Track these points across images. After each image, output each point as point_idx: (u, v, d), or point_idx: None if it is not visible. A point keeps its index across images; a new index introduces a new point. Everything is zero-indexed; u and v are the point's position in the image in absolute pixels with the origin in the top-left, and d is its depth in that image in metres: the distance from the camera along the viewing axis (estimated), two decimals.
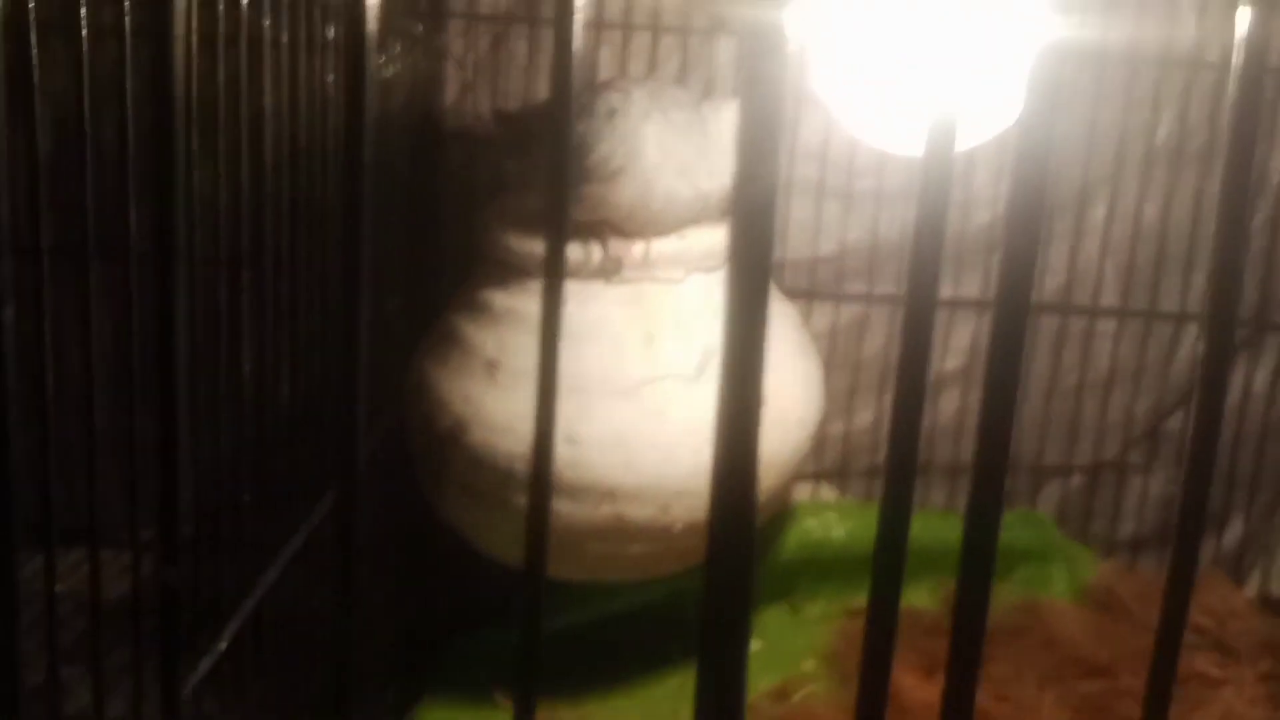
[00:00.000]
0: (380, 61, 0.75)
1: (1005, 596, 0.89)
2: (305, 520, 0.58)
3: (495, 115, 0.79)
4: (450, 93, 0.87)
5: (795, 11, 0.25)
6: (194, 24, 0.40)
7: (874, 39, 0.62)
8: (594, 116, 0.65)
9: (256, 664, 0.52)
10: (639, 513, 0.63)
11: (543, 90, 0.87)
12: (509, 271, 0.67)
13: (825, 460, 0.96)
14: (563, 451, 0.62)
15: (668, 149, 0.64)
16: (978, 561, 0.30)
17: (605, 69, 0.88)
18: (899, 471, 0.28)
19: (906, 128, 0.65)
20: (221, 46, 0.48)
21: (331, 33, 0.60)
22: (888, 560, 0.30)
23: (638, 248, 0.66)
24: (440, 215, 0.85)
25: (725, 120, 0.66)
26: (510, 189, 0.71)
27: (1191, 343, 0.96)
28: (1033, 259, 0.26)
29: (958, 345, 0.96)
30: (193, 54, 0.40)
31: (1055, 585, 0.93)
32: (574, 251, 0.66)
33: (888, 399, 0.95)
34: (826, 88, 0.67)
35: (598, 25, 0.88)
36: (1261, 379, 0.97)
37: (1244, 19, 0.25)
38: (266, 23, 0.53)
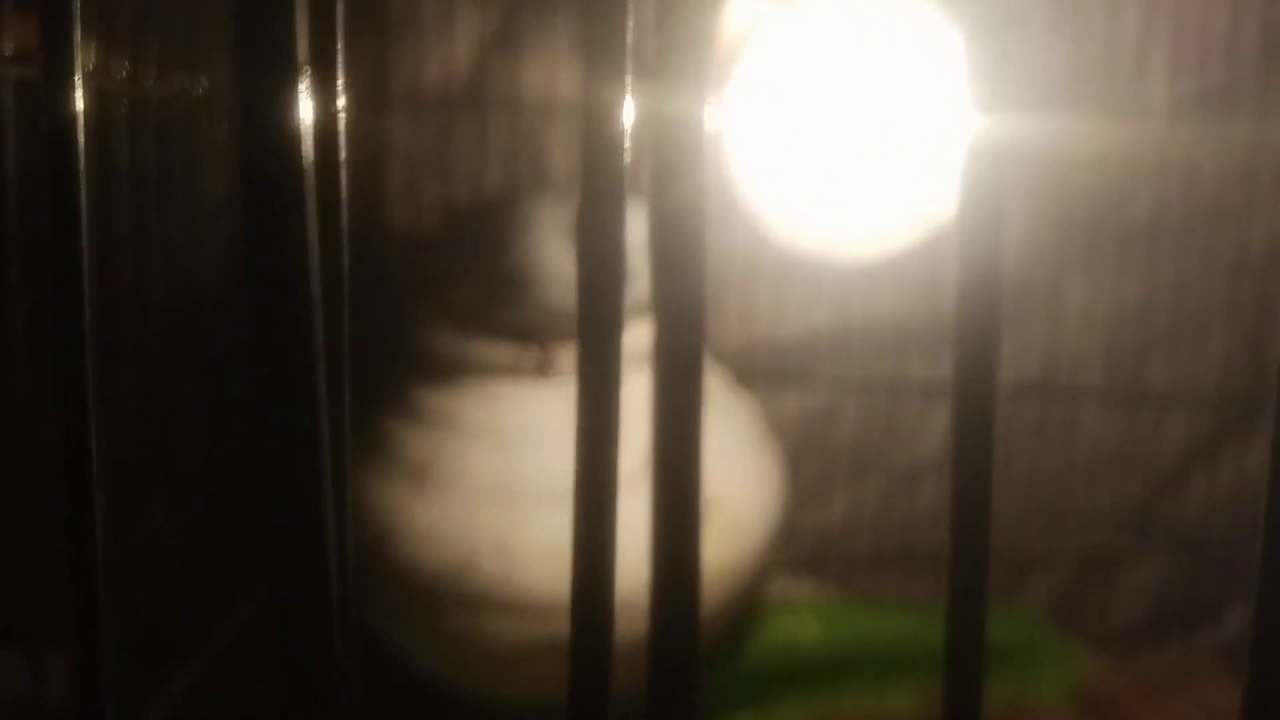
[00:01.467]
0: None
1: (993, 698, 0.83)
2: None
3: (446, 210, 0.77)
4: (393, 182, 0.85)
5: (721, 104, 0.25)
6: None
7: (804, 134, 0.60)
8: (510, 226, 0.63)
9: None
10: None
11: (493, 178, 0.84)
12: (442, 372, 0.64)
13: (799, 553, 0.92)
14: (493, 565, 0.58)
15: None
16: (965, 670, 0.28)
17: (557, 154, 0.85)
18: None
19: (835, 227, 0.63)
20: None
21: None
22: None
23: (571, 346, 0.62)
24: (374, 311, 0.82)
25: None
26: (449, 285, 0.68)
27: (1180, 421, 0.92)
28: (993, 354, 0.25)
29: (935, 429, 0.92)
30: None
31: (1046, 685, 0.88)
32: (508, 351, 0.63)
33: (862, 486, 0.92)
34: (752, 186, 0.65)
35: (550, 108, 0.85)
36: (1256, 458, 0.93)
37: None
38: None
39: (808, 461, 0.90)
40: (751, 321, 0.88)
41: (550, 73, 0.85)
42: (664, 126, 0.23)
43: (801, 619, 0.87)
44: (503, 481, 0.60)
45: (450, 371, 0.64)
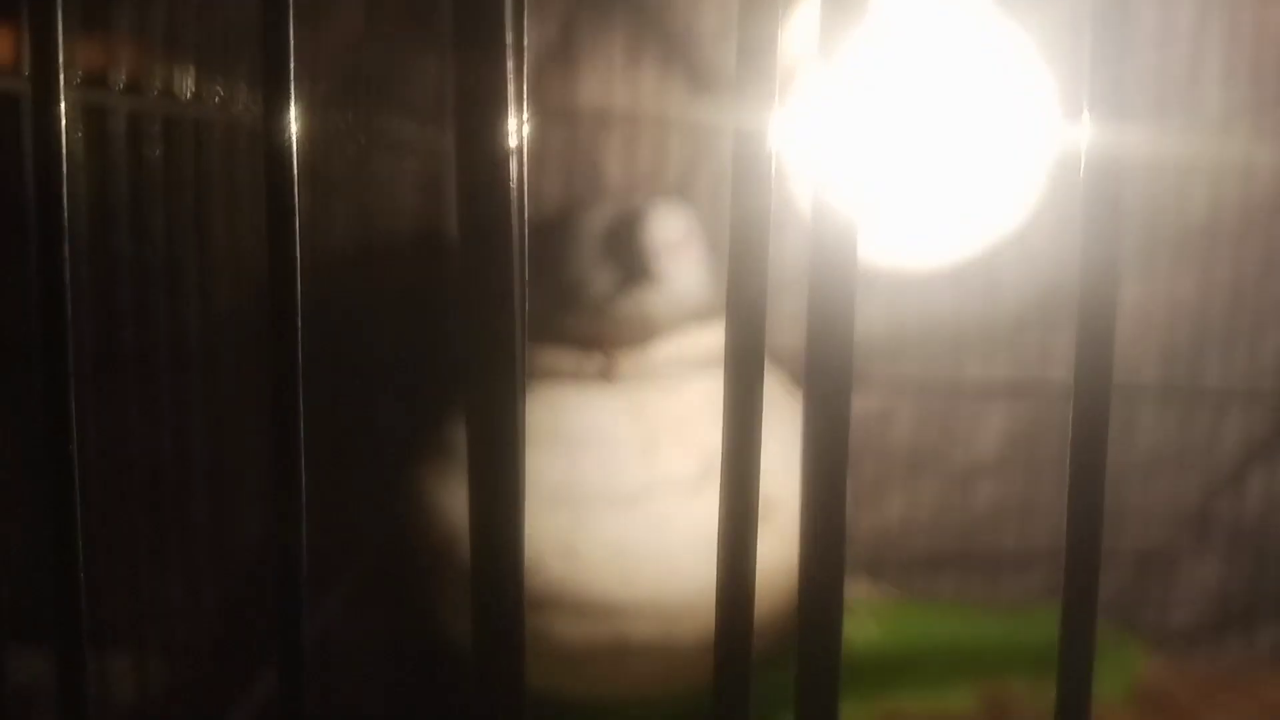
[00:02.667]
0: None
1: (1050, 696, 0.84)
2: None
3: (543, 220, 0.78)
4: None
5: (800, 116, 0.27)
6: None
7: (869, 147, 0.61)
8: (573, 235, 0.64)
9: None
10: (641, 630, 0.61)
11: (550, 188, 0.86)
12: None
13: (856, 554, 0.93)
14: (558, 566, 0.60)
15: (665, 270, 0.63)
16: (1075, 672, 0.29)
17: (612, 164, 0.87)
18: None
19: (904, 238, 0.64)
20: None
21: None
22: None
23: (636, 350, 0.64)
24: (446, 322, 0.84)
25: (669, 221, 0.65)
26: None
27: (1237, 419, 0.92)
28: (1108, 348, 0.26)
29: (991, 431, 0.92)
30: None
31: (1105, 683, 0.88)
32: (572, 358, 0.64)
33: (918, 488, 0.92)
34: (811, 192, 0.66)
35: (605, 119, 0.87)
36: None
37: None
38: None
39: (865, 463, 0.90)
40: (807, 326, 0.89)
41: (606, 83, 0.87)
42: (735, 138, 0.25)
43: (859, 619, 0.88)
44: (568, 484, 0.62)
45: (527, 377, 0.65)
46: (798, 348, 0.84)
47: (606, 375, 0.65)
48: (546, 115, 0.87)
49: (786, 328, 0.89)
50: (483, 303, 0.25)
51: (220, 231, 0.54)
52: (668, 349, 0.65)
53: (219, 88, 0.53)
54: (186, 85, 0.50)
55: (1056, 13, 0.76)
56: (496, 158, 0.24)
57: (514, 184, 0.24)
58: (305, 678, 0.27)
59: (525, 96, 0.26)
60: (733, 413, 0.27)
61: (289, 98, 0.24)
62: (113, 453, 0.47)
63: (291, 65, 0.24)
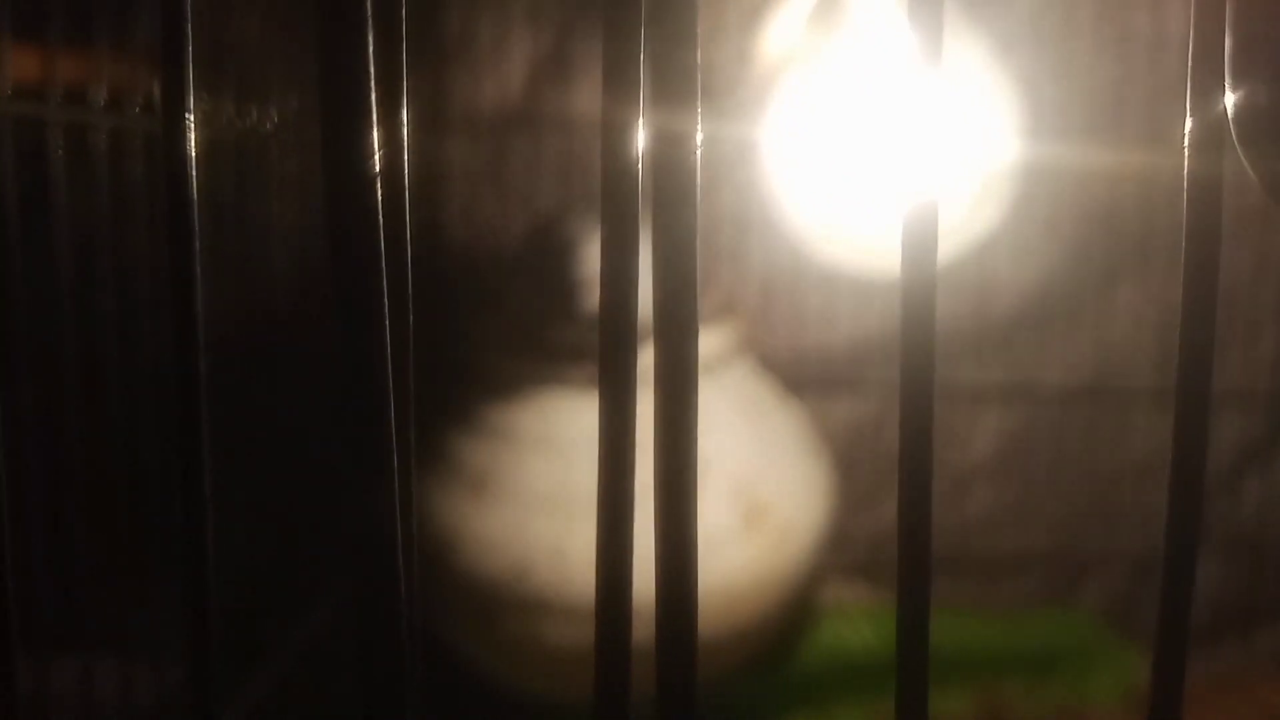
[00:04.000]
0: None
1: (1046, 701, 0.84)
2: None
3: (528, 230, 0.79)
4: (450, 203, 0.87)
5: (761, 120, 0.26)
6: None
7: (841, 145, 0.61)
8: (561, 244, 0.65)
9: None
10: (634, 633, 0.61)
11: (546, 196, 0.87)
12: (499, 386, 0.66)
13: (851, 558, 0.93)
14: (550, 570, 0.60)
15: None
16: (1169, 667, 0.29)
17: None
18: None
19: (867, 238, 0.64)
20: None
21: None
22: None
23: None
24: (433, 329, 0.84)
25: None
26: (509, 304, 0.71)
27: (1233, 423, 0.92)
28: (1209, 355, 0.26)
29: (985, 434, 0.92)
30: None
31: (1100, 688, 0.88)
32: (561, 366, 0.65)
33: None
34: (797, 199, 0.66)
35: (599, 127, 0.87)
36: None
37: None
38: None
39: (858, 467, 0.90)
40: (800, 330, 0.89)
41: (599, 94, 0.87)
42: (658, 145, 0.25)
43: (853, 624, 0.88)
44: (558, 490, 0.62)
45: (506, 387, 0.66)
46: (790, 352, 0.84)
47: (595, 383, 0.65)
48: (540, 123, 0.88)
49: (781, 332, 0.89)
50: (352, 325, 0.24)
51: (205, 243, 0.54)
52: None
53: (203, 103, 0.53)
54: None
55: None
56: (362, 178, 0.23)
57: (393, 198, 0.23)
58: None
59: (406, 105, 0.25)
60: (666, 425, 0.27)
61: (187, 106, 0.23)
62: (102, 458, 0.47)
63: (189, 73, 0.23)
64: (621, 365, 0.25)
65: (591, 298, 0.64)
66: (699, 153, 0.24)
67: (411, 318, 0.28)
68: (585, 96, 0.87)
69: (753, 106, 0.22)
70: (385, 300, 0.24)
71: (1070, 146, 0.80)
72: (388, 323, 0.24)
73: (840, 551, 0.89)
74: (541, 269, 0.67)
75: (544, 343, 0.66)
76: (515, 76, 0.87)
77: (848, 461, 0.88)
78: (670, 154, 0.24)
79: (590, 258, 0.64)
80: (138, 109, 0.48)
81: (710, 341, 0.66)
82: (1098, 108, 0.83)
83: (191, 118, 0.23)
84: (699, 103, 0.24)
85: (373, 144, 0.24)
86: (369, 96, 0.23)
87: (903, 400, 0.25)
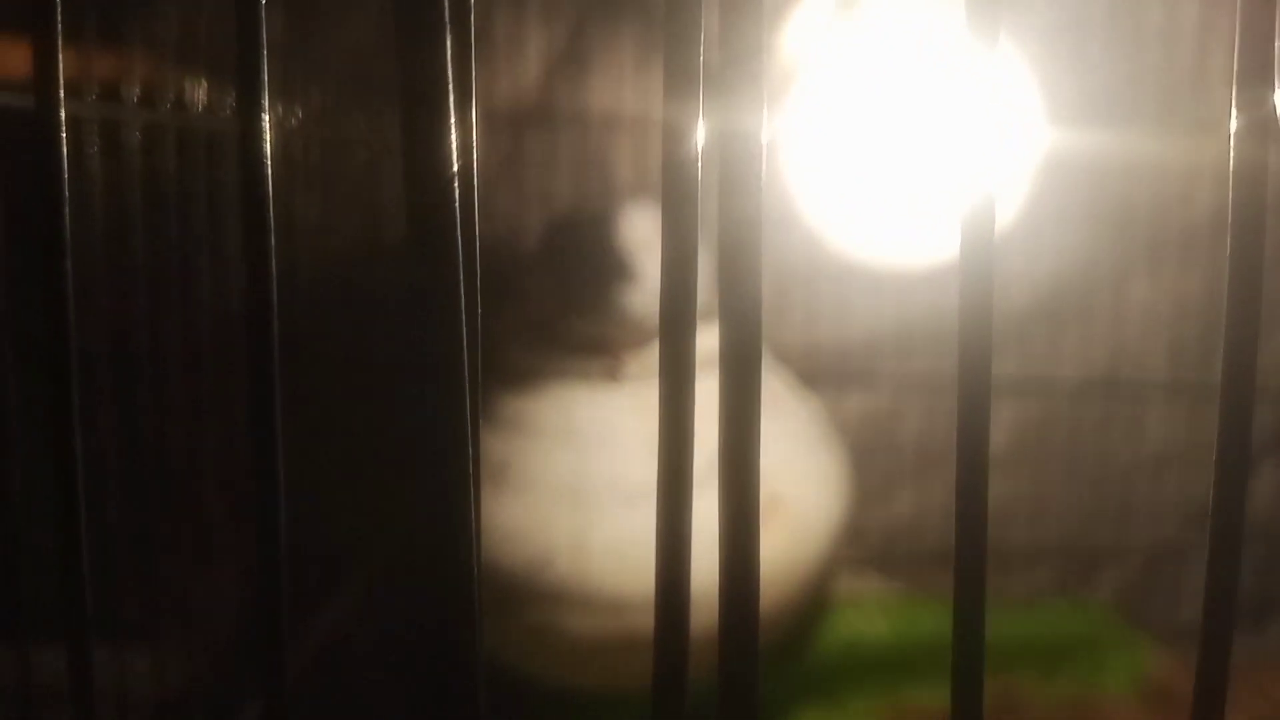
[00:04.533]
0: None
1: (1059, 692, 0.85)
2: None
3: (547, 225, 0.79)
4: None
5: (780, 115, 0.26)
6: None
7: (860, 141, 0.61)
8: (581, 239, 0.65)
9: None
10: (650, 624, 0.61)
11: (563, 191, 0.87)
12: (518, 379, 0.66)
13: (866, 550, 0.93)
14: (569, 561, 0.61)
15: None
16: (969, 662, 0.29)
17: (624, 167, 0.88)
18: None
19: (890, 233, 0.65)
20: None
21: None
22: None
23: (641, 351, 0.65)
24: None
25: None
26: (528, 298, 0.71)
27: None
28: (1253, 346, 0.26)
29: (998, 426, 0.93)
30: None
31: (1113, 678, 0.88)
32: (580, 359, 0.65)
33: (927, 484, 0.93)
34: (809, 195, 0.66)
35: (616, 122, 0.88)
36: None
37: None
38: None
39: (873, 460, 0.91)
40: (815, 323, 0.90)
41: (617, 87, 0.88)
42: (724, 140, 0.25)
43: (868, 615, 0.89)
44: (577, 482, 0.63)
45: (525, 378, 0.66)
46: (804, 346, 0.84)
47: (613, 375, 0.66)
48: (558, 120, 0.88)
49: (795, 325, 0.90)
50: (427, 319, 0.25)
51: (235, 238, 0.55)
52: None
53: (232, 99, 0.54)
54: (199, 97, 0.51)
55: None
56: (441, 170, 0.24)
57: (462, 195, 0.24)
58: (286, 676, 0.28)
59: (474, 102, 0.26)
60: (730, 409, 0.28)
61: (263, 104, 0.24)
62: (131, 454, 0.48)
63: (264, 70, 0.24)
64: (681, 354, 0.26)
65: (605, 292, 0.65)
66: (763, 143, 0.25)
67: (480, 311, 0.29)
68: (602, 91, 0.88)
69: (764, 99, 0.23)
70: (462, 296, 0.25)
71: (1091, 138, 0.81)
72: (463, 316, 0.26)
73: (854, 543, 0.90)
74: (560, 264, 0.67)
75: (561, 336, 0.67)
76: (533, 71, 0.88)
77: (861, 454, 0.88)
78: (734, 146, 0.25)
79: (613, 250, 0.65)
80: (169, 105, 0.49)
81: (713, 338, 0.67)
82: (1119, 99, 0.83)
83: (266, 117, 0.25)
84: (763, 92, 0.25)
85: (451, 146, 0.25)
86: (447, 99, 0.24)
87: (961, 393, 0.26)
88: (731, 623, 0.28)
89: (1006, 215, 0.70)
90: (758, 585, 0.28)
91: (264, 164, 0.25)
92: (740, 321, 0.26)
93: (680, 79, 0.26)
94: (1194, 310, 0.90)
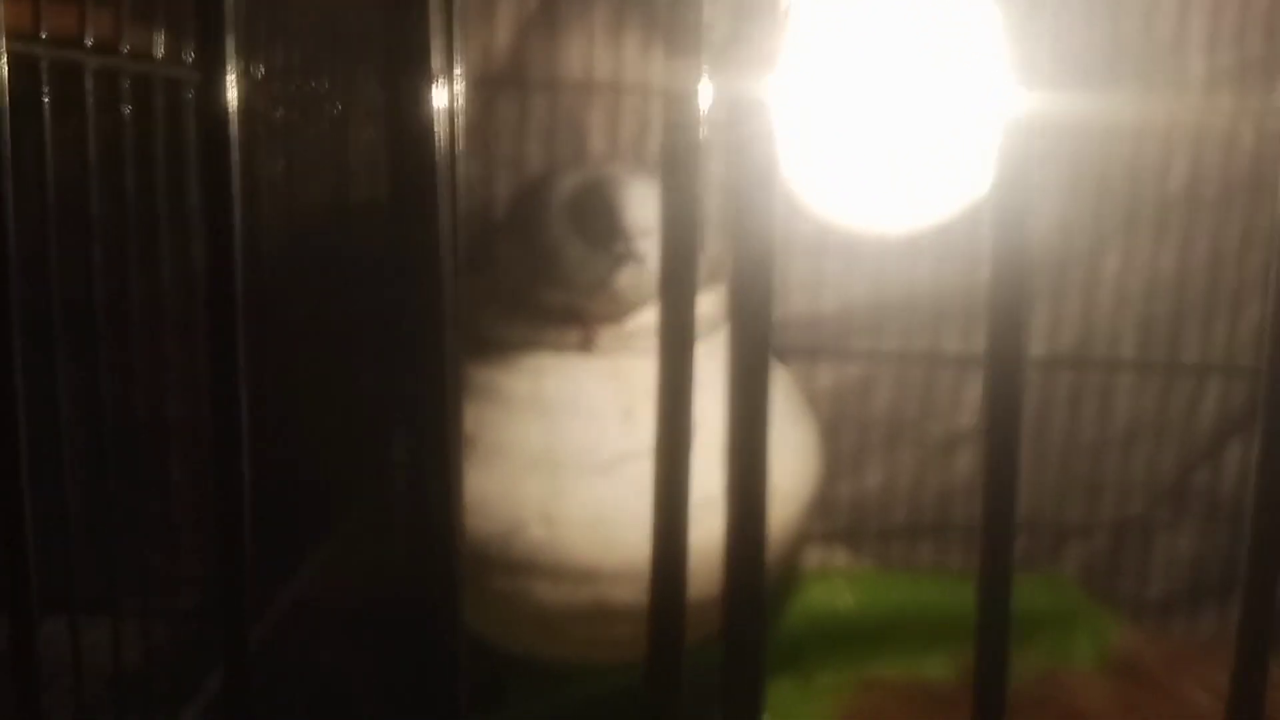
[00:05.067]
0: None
1: (1026, 665, 0.85)
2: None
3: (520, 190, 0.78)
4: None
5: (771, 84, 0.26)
6: None
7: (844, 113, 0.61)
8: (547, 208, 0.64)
9: None
10: (621, 594, 0.61)
11: (533, 157, 0.86)
12: (489, 348, 0.65)
13: (834, 523, 0.93)
14: (539, 532, 0.60)
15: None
16: (994, 632, 0.29)
17: (595, 133, 0.86)
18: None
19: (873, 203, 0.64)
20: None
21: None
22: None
23: (614, 322, 0.64)
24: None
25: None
26: (498, 266, 0.70)
27: (1215, 395, 0.92)
28: (1022, 322, 0.26)
29: (970, 402, 0.93)
30: None
31: (1079, 652, 0.89)
32: (551, 329, 0.65)
33: (897, 458, 0.93)
34: (794, 163, 0.66)
35: (588, 87, 0.87)
36: None
37: None
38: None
39: (843, 434, 0.91)
40: (787, 296, 0.89)
41: (588, 54, 0.86)
42: (734, 104, 0.25)
43: (836, 588, 0.89)
44: (546, 452, 0.62)
45: (496, 348, 0.65)
46: (777, 316, 0.83)
47: (585, 346, 0.65)
48: (530, 85, 0.87)
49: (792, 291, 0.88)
50: (410, 268, 0.24)
51: (194, 191, 0.54)
52: (646, 321, 0.65)
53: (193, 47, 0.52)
54: (158, 44, 0.49)
55: None
56: (422, 122, 0.24)
57: (442, 148, 0.24)
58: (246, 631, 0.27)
59: (455, 58, 0.26)
60: (741, 373, 0.27)
61: (226, 60, 0.23)
62: (87, 414, 0.47)
63: (229, 27, 0.23)
64: (680, 318, 0.25)
65: (573, 263, 0.64)
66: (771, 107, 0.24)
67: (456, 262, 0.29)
68: (573, 56, 0.86)
69: (768, 65, 0.22)
70: (441, 247, 0.25)
71: (1068, 102, 0.80)
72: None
73: (824, 516, 0.89)
74: (529, 233, 0.66)
75: (531, 306, 0.66)
76: (504, 36, 0.86)
77: (832, 428, 0.88)
78: (743, 105, 0.24)
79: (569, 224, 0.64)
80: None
81: (701, 306, 0.66)
82: (1098, 67, 0.83)
83: (231, 73, 0.24)
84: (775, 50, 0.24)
85: (434, 108, 0.25)
86: (429, 58, 0.24)
87: (991, 369, 0.26)
88: (736, 593, 0.27)
89: (982, 187, 0.70)
90: (763, 555, 0.28)
91: (226, 117, 0.24)
92: (752, 291, 0.25)
93: (683, 38, 0.25)
94: (1165, 287, 0.90)
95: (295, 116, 0.65)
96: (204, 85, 0.23)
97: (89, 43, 0.44)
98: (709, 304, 0.64)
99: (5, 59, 0.27)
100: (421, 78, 0.23)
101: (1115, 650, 0.90)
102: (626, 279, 0.62)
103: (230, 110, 0.24)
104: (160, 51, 0.51)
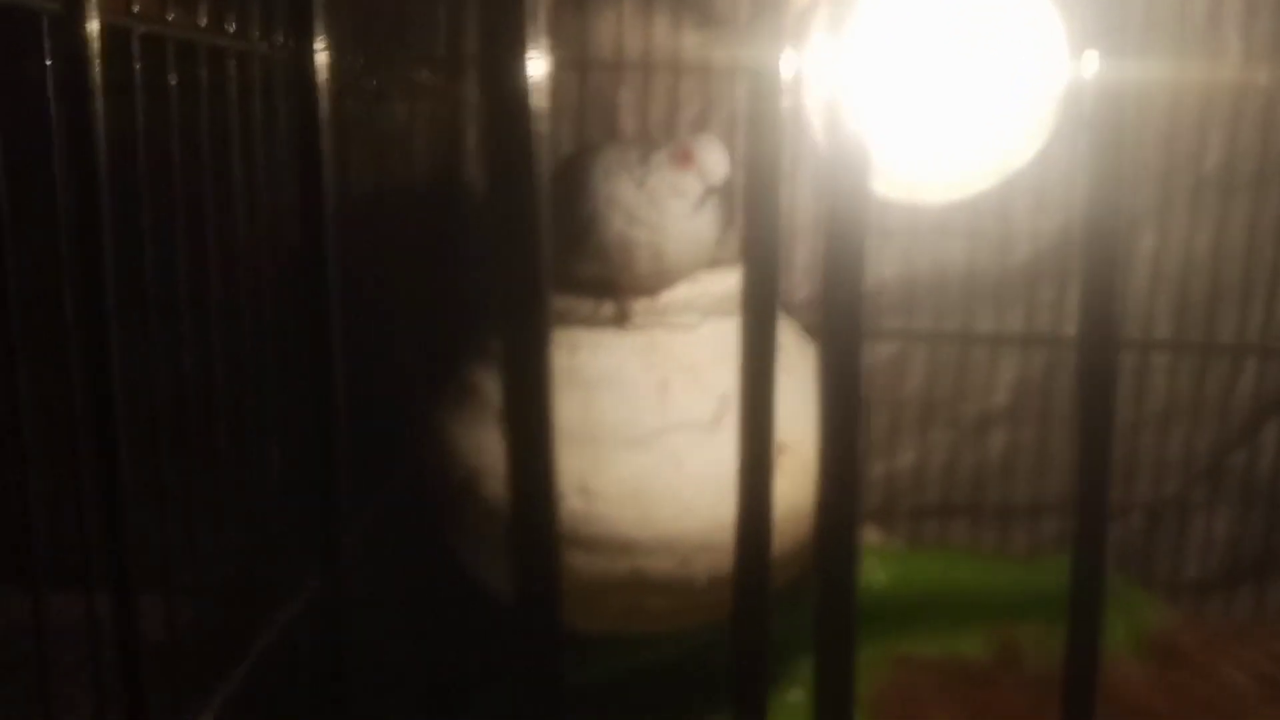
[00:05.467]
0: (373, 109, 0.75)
1: (1061, 645, 0.84)
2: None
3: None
4: (472, 142, 0.87)
5: (813, 54, 0.26)
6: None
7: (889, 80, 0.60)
8: (586, 185, 0.64)
9: None
10: (658, 566, 0.61)
11: (565, 137, 0.86)
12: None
13: (868, 502, 0.93)
14: (576, 504, 0.60)
15: (673, 211, 0.64)
16: (1088, 613, 0.29)
17: (626, 111, 0.87)
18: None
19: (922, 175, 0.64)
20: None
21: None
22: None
23: (649, 296, 0.65)
24: (462, 265, 0.84)
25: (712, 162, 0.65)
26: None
27: (1251, 375, 0.92)
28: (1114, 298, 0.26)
29: (1003, 382, 0.92)
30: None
31: (1115, 634, 0.88)
32: (588, 303, 0.65)
33: (930, 437, 0.92)
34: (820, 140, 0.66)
35: (618, 66, 0.87)
36: None
37: None
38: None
39: (877, 412, 0.91)
40: (819, 275, 0.89)
41: (617, 32, 0.86)
42: (749, 78, 0.25)
43: (869, 566, 0.88)
44: (584, 425, 0.62)
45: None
46: (810, 294, 0.83)
47: (621, 320, 0.65)
48: (560, 63, 0.87)
49: (800, 278, 0.89)
50: (511, 242, 0.25)
51: (237, 165, 0.54)
52: (680, 295, 0.66)
53: (234, 17, 0.53)
54: (202, 12, 0.50)
55: None
56: (519, 97, 0.24)
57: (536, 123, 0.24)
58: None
59: (544, 35, 0.26)
60: (748, 356, 0.27)
61: (316, 32, 0.24)
62: (136, 390, 0.47)
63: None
64: (765, 295, 0.26)
65: (611, 239, 0.64)
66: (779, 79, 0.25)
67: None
68: (603, 36, 0.87)
69: (781, 39, 0.23)
70: (539, 221, 0.25)
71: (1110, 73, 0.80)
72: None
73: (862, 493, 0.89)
74: (568, 208, 0.67)
75: (569, 281, 0.66)
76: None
77: (864, 407, 0.88)
78: (757, 83, 0.25)
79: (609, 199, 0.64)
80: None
81: (732, 283, 0.66)
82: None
83: (323, 48, 0.24)
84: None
85: (528, 81, 0.25)
86: (525, 32, 0.25)
87: (1083, 353, 0.26)
88: (746, 567, 0.28)
89: (1016, 156, 0.69)
90: (771, 530, 0.28)
91: (318, 94, 0.24)
92: (759, 265, 0.25)
93: (766, 13, 0.26)
94: (1201, 268, 0.90)
95: (364, 107, 0.66)
96: (297, 59, 0.24)
97: (170, 18, 0.45)
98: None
99: (101, 31, 0.28)
100: (518, 52, 0.24)
101: (1151, 632, 0.90)
102: (662, 244, 0.63)
103: (320, 85, 0.24)
104: (205, 21, 0.51)
